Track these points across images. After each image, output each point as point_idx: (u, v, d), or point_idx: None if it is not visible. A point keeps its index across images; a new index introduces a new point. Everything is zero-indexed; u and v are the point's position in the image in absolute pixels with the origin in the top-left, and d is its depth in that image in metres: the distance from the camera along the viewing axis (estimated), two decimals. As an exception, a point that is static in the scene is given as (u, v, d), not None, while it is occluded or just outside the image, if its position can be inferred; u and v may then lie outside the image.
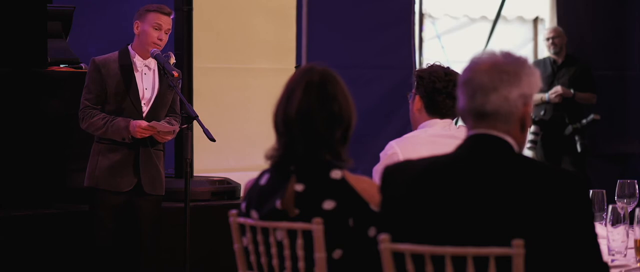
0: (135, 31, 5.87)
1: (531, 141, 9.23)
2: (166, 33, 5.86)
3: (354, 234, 3.27)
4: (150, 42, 5.82)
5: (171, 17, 5.89)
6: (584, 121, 9.22)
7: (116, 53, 5.89)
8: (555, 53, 9.37)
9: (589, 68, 9.44)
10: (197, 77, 7.16)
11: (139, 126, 5.72)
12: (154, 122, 5.78)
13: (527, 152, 9.24)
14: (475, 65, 2.97)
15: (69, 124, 6.25)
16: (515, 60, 2.97)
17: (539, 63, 9.44)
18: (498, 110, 2.93)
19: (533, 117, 9.21)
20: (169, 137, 5.90)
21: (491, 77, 2.93)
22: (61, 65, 6.72)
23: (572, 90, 9.19)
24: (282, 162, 3.35)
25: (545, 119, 9.24)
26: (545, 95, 9.17)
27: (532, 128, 9.23)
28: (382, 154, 4.20)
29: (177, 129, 5.88)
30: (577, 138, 9.19)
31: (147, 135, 5.77)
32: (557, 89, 9.17)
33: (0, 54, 6.37)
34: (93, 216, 5.89)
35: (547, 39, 9.44)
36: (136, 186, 5.84)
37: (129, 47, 5.90)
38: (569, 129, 9.19)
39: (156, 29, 5.82)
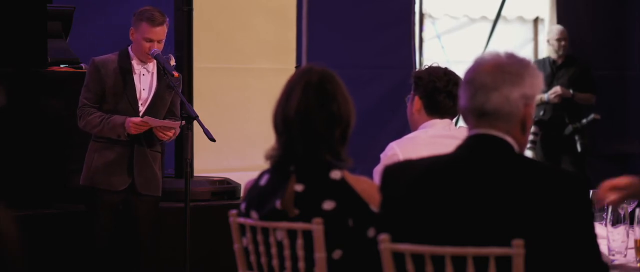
0: (131, 37, 5.90)
1: (530, 141, 9.22)
2: (159, 43, 5.86)
3: (353, 235, 3.27)
4: (143, 52, 5.85)
5: (165, 24, 5.89)
6: (584, 121, 9.22)
7: (116, 54, 5.93)
8: (563, 54, 9.35)
9: (588, 68, 9.43)
10: (197, 77, 7.16)
11: (132, 122, 5.74)
12: (146, 117, 5.80)
13: (527, 152, 9.21)
14: (479, 65, 2.97)
15: (69, 124, 6.24)
16: (519, 62, 2.98)
17: (539, 63, 9.43)
18: (498, 110, 2.94)
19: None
20: (170, 134, 5.88)
21: (493, 76, 2.94)
22: (61, 65, 6.72)
23: (571, 91, 9.18)
24: (281, 162, 3.35)
25: (544, 119, 9.24)
26: (545, 96, 9.17)
27: (532, 128, 9.21)
28: (382, 155, 4.19)
29: (177, 128, 5.87)
30: (577, 138, 9.19)
31: (141, 130, 5.78)
32: (557, 89, 9.16)
33: (0, 54, 6.37)
34: (90, 215, 5.90)
35: (559, 41, 9.38)
36: (131, 186, 5.85)
37: (129, 48, 5.93)
38: (569, 128, 9.19)
39: (148, 41, 5.83)
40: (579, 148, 9.18)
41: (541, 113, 9.25)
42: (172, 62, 5.95)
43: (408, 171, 3.02)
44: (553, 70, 9.32)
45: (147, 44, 5.84)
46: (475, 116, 2.97)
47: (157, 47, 5.86)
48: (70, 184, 6.42)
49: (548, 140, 9.25)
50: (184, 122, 5.83)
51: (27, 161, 6.37)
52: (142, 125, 5.77)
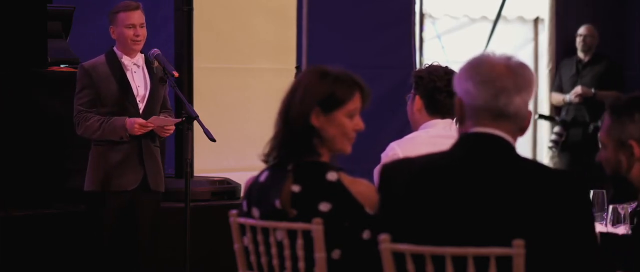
0: (113, 36, 5.88)
1: (553, 141, 9.30)
2: (141, 27, 5.85)
3: (351, 235, 3.27)
4: (129, 42, 5.83)
5: (140, 8, 5.89)
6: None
7: (103, 56, 5.89)
8: (587, 52, 9.37)
9: (618, 66, 9.46)
10: (197, 77, 7.15)
11: (138, 123, 5.72)
12: (153, 117, 5.79)
13: (548, 152, 9.32)
14: (492, 66, 2.98)
15: (69, 124, 6.23)
16: (526, 67, 3.03)
17: (567, 62, 9.50)
18: (518, 113, 2.96)
19: (555, 117, 9.30)
20: (171, 130, 5.89)
21: (514, 80, 2.97)
22: (61, 65, 6.71)
23: (592, 90, 9.20)
24: (280, 160, 3.37)
25: (567, 120, 9.28)
26: (567, 96, 9.23)
27: (556, 128, 9.31)
28: (383, 156, 4.19)
29: (175, 121, 5.89)
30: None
31: (144, 131, 5.77)
32: (577, 89, 9.23)
33: (0, 54, 6.37)
34: (96, 217, 5.85)
35: (579, 36, 9.41)
36: (141, 183, 5.83)
37: (115, 48, 5.90)
38: (591, 127, 9.20)
39: (130, 28, 5.82)
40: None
41: (564, 114, 9.30)
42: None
43: (407, 169, 3.02)
44: (578, 69, 9.38)
45: (131, 31, 5.82)
46: (492, 116, 2.97)
47: (141, 32, 5.83)
48: (70, 184, 6.41)
49: (571, 140, 9.28)
50: (183, 118, 5.83)
51: (27, 160, 6.37)
52: (147, 127, 5.76)
